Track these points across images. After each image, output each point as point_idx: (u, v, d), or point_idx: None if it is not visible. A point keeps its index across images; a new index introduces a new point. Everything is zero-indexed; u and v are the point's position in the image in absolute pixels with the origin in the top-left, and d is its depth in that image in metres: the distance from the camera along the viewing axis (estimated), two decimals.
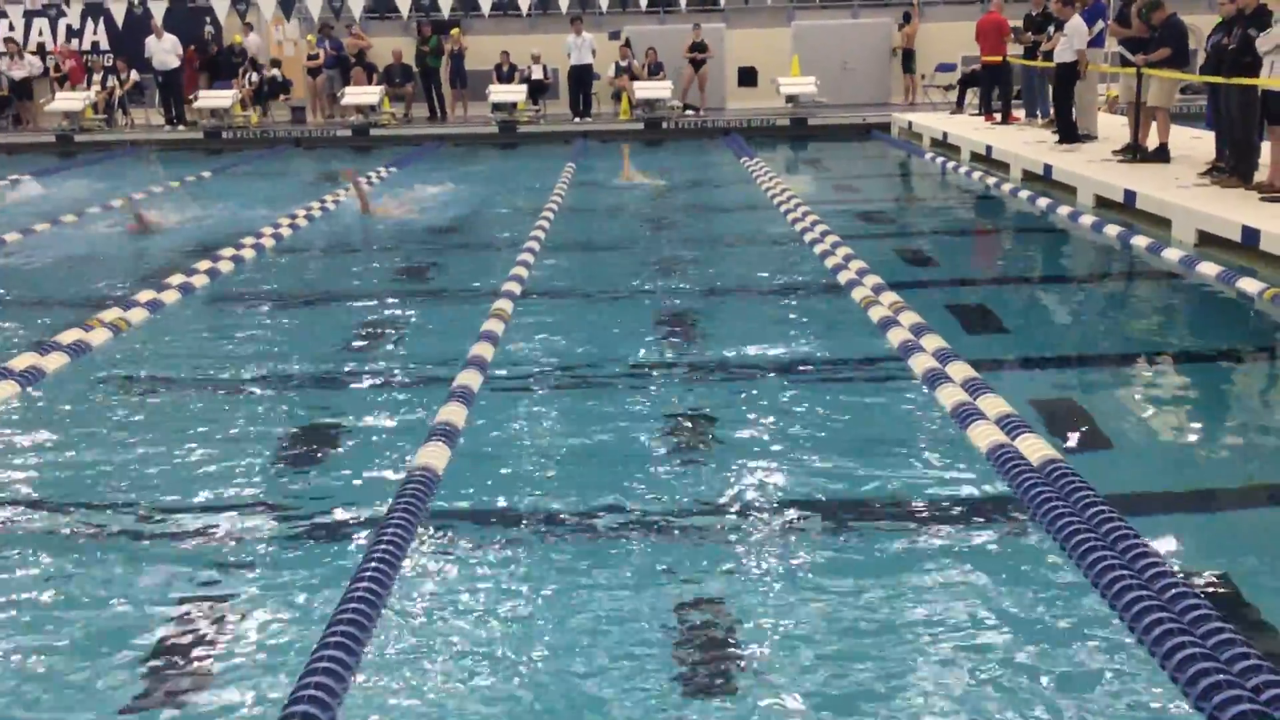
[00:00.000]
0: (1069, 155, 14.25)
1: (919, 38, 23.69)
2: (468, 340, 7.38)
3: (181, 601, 4.27)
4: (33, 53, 24.46)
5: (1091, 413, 6.16)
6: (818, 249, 10.43)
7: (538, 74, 23.41)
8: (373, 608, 3.97)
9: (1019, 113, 18.64)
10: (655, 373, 6.97)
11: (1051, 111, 16.08)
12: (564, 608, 4.15)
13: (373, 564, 4.23)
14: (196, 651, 3.92)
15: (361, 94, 22.81)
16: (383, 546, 4.37)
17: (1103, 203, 12.15)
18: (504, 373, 6.96)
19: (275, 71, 24.11)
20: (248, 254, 10.94)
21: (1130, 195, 11.55)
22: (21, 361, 7.04)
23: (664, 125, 22.17)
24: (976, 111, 19.86)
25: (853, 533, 4.72)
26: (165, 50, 22.53)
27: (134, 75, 23.74)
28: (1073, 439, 5.77)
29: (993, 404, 5.84)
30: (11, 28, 24.86)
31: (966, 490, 5.10)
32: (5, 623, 4.14)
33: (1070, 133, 14.95)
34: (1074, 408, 6.25)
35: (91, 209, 14.07)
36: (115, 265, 10.69)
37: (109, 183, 16.74)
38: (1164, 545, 4.40)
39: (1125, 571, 4.04)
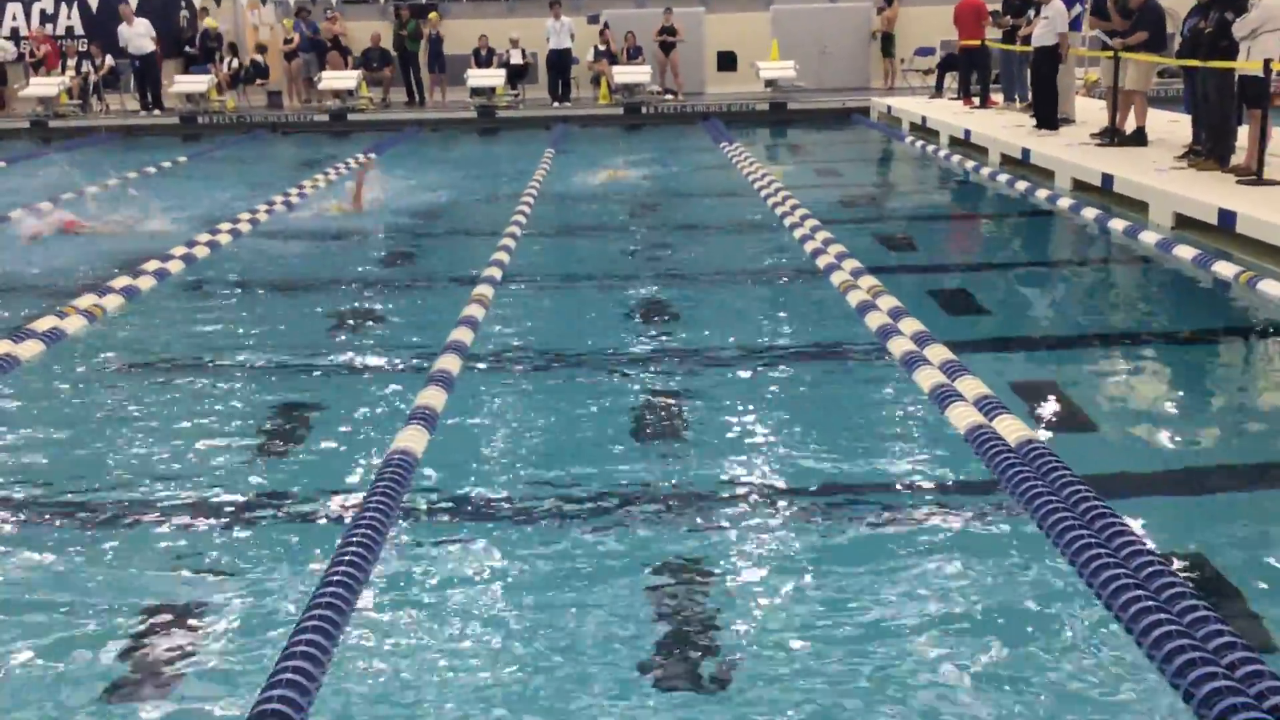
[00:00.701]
0: (1047, 139, 14.28)
1: (898, 21, 23.69)
2: (447, 325, 7.36)
3: (159, 584, 4.25)
4: (6, 38, 24.21)
5: (1069, 394, 6.18)
6: (797, 233, 10.43)
7: (516, 58, 23.31)
8: (351, 590, 3.96)
9: (997, 97, 18.67)
10: (635, 357, 6.96)
11: (1030, 95, 16.10)
12: (543, 591, 4.14)
13: (351, 546, 4.22)
14: (174, 634, 3.90)
15: (338, 78, 22.67)
16: (361, 529, 4.36)
17: (1080, 186, 12.18)
18: (484, 357, 6.95)
19: (259, 57, 23.94)
20: (224, 240, 10.87)
21: (1108, 179, 11.59)
22: None
23: (643, 110, 22.11)
24: (955, 95, 19.89)
25: (832, 515, 4.73)
26: (139, 35, 22.32)
27: (109, 60, 23.54)
28: (1051, 420, 5.79)
29: (971, 386, 5.86)
30: None
31: (945, 471, 5.11)
32: None
33: (1050, 117, 14.95)
34: (1052, 389, 6.28)
35: (66, 195, 13.95)
36: (90, 252, 10.59)
37: (84, 169, 16.61)
38: (1141, 525, 4.42)
39: (1102, 550, 4.06)
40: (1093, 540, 4.14)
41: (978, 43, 18.46)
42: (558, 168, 15.61)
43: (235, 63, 23.70)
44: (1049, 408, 6.00)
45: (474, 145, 20.02)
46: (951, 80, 20.59)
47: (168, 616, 4.03)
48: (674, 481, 5.09)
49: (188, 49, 23.59)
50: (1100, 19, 14.16)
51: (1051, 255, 10.62)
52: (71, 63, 23.75)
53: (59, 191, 14.10)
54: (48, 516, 4.93)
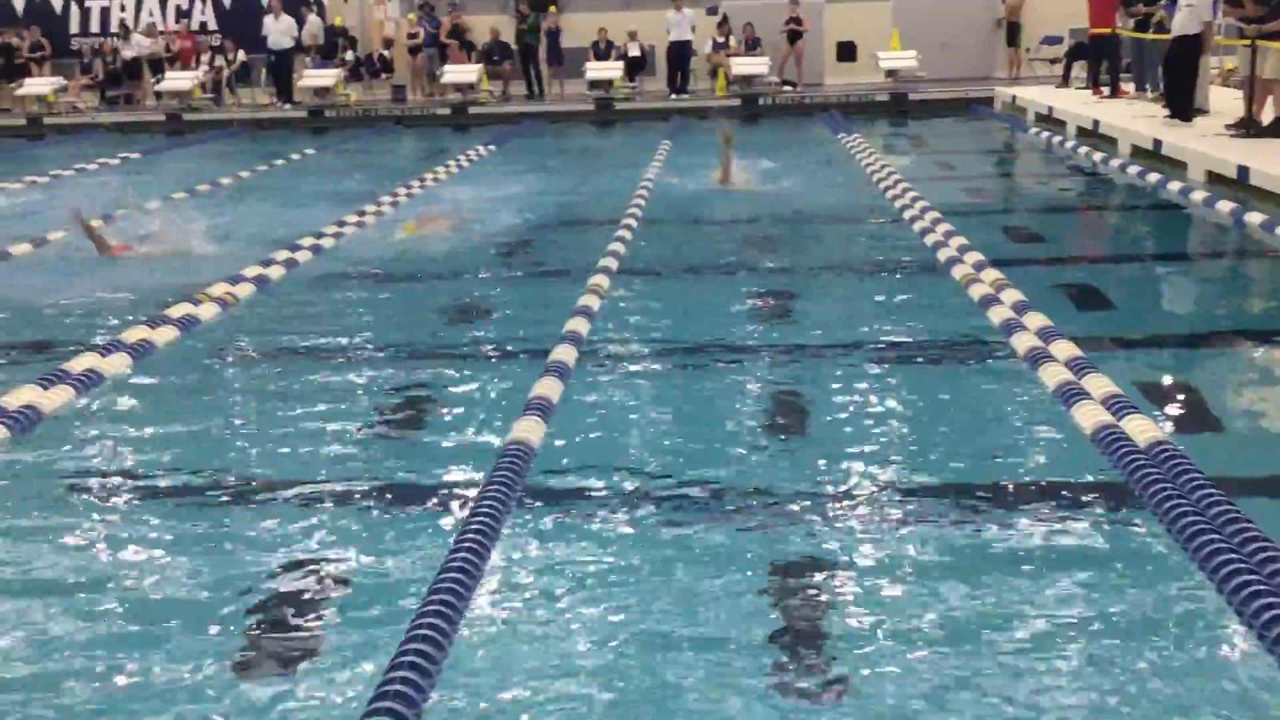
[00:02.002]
0: (1180, 130, 13.82)
1: (1024, 9, 23.14)
2: (563, 315, 7.42)
3: (281, 569, 4.37)
4: (143, 34, 25.09)
5: (1201, 394, 6.00)
6: (917, 226, 10.28)
7: (634, 51, 23.38)
8: (469, 578, 4.02)
9: (1128, 86, 18.14)
10: (752, 350, 6.94)
11: (1162, 85, 15.57)
12: (657, 584, 4.16)
13: (469, 535, 4.28)
14: (296, 619, 4.01)
15: (460, 72, 23.01)
16: (479, 519, 4.43)
17: (1215, 179, 11.78)
18: (600, 348, 6.99)
19: (385, 51, 24.42)
20: (350, 231, 11.12)
21: (1243, 171, 11.19)
22: (133, 335, 7.25)
23: (760, 102, 22.00)
24: (1083, 85, 19.38)
25: (952, 514, 4.66)
26: (281, 31, 23.07)
27: (241, 55, 24.26)
28: (1181, 420, 5.62)
29: (1098, 384, 5.71)
30: (123, 8, 25.55)
31: (1070, 472, 4.99)
32: (112, 586, 4.28)
33: (1186, 109, 14.38)
34: (1183, 389, 6.09)
35: (201, 186, 14.42)
36: (223, 241, 10.94)
37: (217, 161, 17.18)
38: (1274, 529, 4.26)
39: (1234, 556, 3.93)
40: (1224, 545, 4.01)
41: (1109, 30, 17.94)
42: (673, 159, 15.61)
43: (351, 55, 24.20)
44: (1179, 408, 5.82)
45: (591, 137, 20.14)
46: (1079, 69, 20.06)
47: (289, 598, 4.15)
48: (790, 476, 5.06)
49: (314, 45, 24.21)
50: (1233, 6, 13.64)
51: (1184, 250, 10.29)
52: (205, 57, 24.53)
53: (196, 182, 14.59)
54: (175, 494, 5.10)
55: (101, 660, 3.77)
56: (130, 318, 7.86)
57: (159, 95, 23.70)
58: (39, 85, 23.76)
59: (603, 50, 23.28)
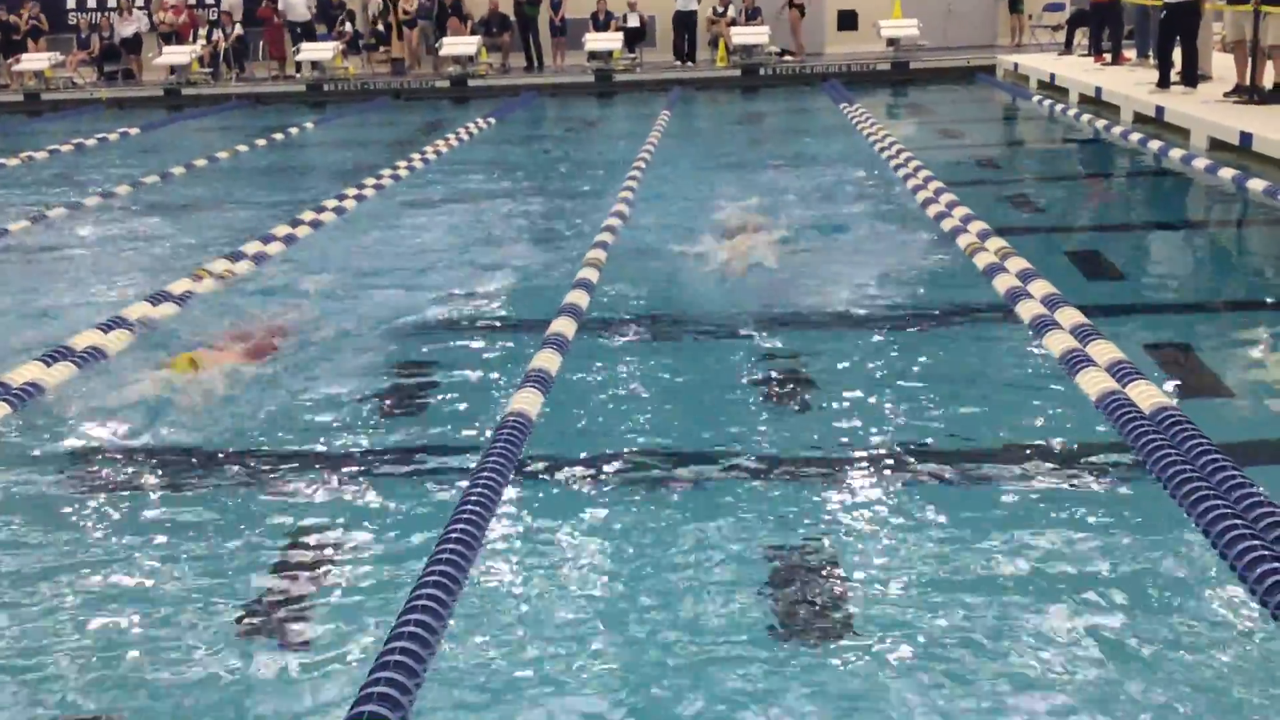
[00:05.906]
0: (1182, 97, 13.72)
1: None
2: (562, 288, 7.38)
3: (278, 542, 4.36)
4: (140, 8, 24.93)
5: (1206, 360, 5.97)
6: (920, 195, 10.22)
7: (633, 21, 23.22)
8: (469, 549, 4.01)
9: (1130, 53, 18.01)
10: (752, 320, 6.90)
11: (1153, 52, 15.41)
12: (658, 554, 4.15)
13: (468, 508, 4.27)
14: (296, 590, 4.00)
15: (459, 44, 22.86)
16: (477, 491, 4.41)
17: (1217, 145, 11.71)
18: (599, 320, 6.96)
19: (381, 25, 24.29)
20: (349, 205, 11.07)
21: (1246, 137, 11.12)
22: (135, 311, 7.23)
23: (761, 72, 21.87)
24: (1086, 52, 19.25)
25: (958, 482, 4.65)
26: (299, 3, 23.10)
27: (238, 29, 24.11)
28: (1187, 387, 5.59)
29: (1103, 350, 5.68)
30: None
31: (1076, 438, 4.97)
32: (113, 559, 4.27)
33: (1189, 74, 14.22)
34: (1188, 355, 6.06)
35: (199, 161, 14.36)
36: (221, 218, 10.90)
37: (215, 134, 17.10)
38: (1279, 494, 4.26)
39: (1238, 521, 3.91)
40: (1229, 510, 3.99)
41: None
42: (673, 129, 15.53)
43: (349, 27, 24.07)
44: (1184, 374, 5.79)
45: (591, 109, 20.03)
46: (1082, 36, 19.93)
47: (286, 570, 4.14)
48: (792, 447, 5.04)
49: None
50: None
51: (1187, 216, 10.25)
52: (203, 31, 24.39)
53: (190, 158, 14.53)
54: (172, 471, 5.09)
55: (106, 633, 3.77)
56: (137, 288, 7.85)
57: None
58: (36, 60, 23.62)
59: (601, 21, 23.13)
